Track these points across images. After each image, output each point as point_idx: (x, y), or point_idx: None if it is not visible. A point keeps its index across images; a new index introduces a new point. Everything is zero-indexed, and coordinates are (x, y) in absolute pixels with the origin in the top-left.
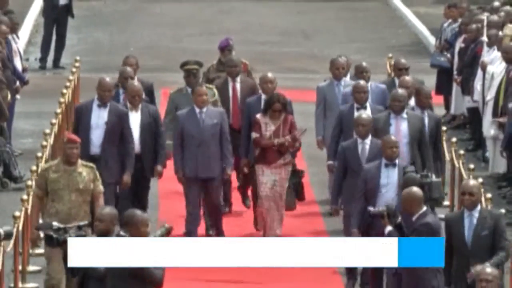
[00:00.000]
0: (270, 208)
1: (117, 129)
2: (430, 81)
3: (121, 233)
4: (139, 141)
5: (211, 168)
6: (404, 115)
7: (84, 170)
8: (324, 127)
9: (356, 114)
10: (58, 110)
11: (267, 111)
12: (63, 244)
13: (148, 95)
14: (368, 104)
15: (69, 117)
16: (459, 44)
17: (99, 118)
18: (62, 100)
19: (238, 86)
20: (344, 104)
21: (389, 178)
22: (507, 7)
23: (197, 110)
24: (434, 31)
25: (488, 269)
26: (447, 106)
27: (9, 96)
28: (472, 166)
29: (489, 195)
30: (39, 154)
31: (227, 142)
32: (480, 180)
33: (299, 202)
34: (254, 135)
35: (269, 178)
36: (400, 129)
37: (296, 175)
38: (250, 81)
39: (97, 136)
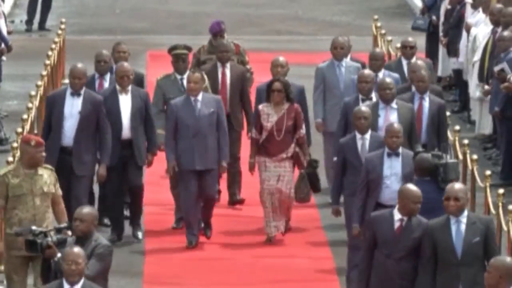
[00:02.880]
0: (274, 206)
1: (92, 118)
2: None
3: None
4: (129, 127)
5: (208, 159)
6: (394, 105)
7: (45, 172)
8: (325, 111)
9: (361, 104)
10: (44, 72)
11: (269, 96)
12: (46, 249)
13: (138, 85)
14: (373, 95)
15: (55, 79)
16: (444, 5)
17: (73, 107)
18: (47, 62)
19: (227, 72)
20: (353, 89)
21: (392, 169)
22: None
23: (192, 98)
24: None
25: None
26: (434, 68)
27: None
28: (457, 127)
29: (475, 157)
30: (25, 116)
31: (224, 132)
32: (466, 141)
33: (313, 193)
34: (253, 133)
35: (273, 173)
36: (389, 120)
37: (311, 165)
38: (240, 67)
39: (70, 126)
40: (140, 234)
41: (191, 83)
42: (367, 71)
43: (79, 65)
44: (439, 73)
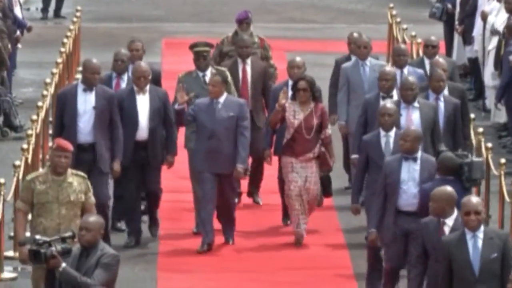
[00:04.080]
0: (300, 208)
1: (107, 113)
2: (431, 30)
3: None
4: (147, 127)
5: (221, 163)
6: (416, 104)
7: (75, 180)
8: (348, 111)
9: (381, 103)
10: (59, 60)
11: (295, 94)
12: (50, 259)
13: (154, 83)
14: (395, 92)
15: (70, 67)
16: None
17: (86, 103)
18: (63, 50)
19: (248, 68)
20: (375, 90)
21: (410, 173)
22: None
23: (214, 100)
24: None
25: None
26: (449, 56)
27: (9, 46)
28: (472, 115)
29: (489, 145)
30: (40, 104)
31: (243, 137)
32: (481, 129)
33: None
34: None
35: (300, 174)
36: (411, 119)
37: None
38: (261, 63)
39: (85, 122)
40: (156, 232)
41: (210, 86)
42: (388, 68)
43: (94, 60)
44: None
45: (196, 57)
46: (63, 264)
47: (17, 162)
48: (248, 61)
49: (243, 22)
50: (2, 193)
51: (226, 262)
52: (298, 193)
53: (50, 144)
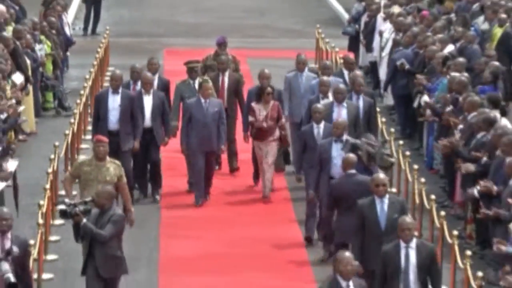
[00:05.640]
0: (266, 171)
1: (128, 109)
2: (343, 43)
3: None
4: (150, 118)
5: (211, 143)
6: (344, 104)
7: (112, 166)
8: (290, 108)
9: (321, 102)
10: (95, 63)
11: (261, 98)
12: (74, 216)
13: (165, 90)
14: (330, 94)
15: (102, 67)
16: (364, 18)
17: (114, 102)
18: (97, 56)
19: (226, 79)
20: (311, 92)
21: (338, 151)
22: None
23: (203, 100)
24: (347, 9)
25: (408, 219)
26: (356, 60)
27: (61, 53)
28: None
29: (383, 119)
30: (82, 92)
31: (223, 124)
32: (378, 109)
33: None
34: (250, 118)
35: (263, 150)
36: (340, 114)
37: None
38: (235, 75)
39: (113, 116)
40: (158, 197)
41: (208, 90)
42: (326, 78)
43: (117, 71)
44: (360, 63)
45: (189, 71)
46: (84, 220)
47: (67, 132)
48: (226, 73)
49: (221, 45)
50: (57, 152)
51: (214, 223)
52: (265, 163)
53: (89, 119)
